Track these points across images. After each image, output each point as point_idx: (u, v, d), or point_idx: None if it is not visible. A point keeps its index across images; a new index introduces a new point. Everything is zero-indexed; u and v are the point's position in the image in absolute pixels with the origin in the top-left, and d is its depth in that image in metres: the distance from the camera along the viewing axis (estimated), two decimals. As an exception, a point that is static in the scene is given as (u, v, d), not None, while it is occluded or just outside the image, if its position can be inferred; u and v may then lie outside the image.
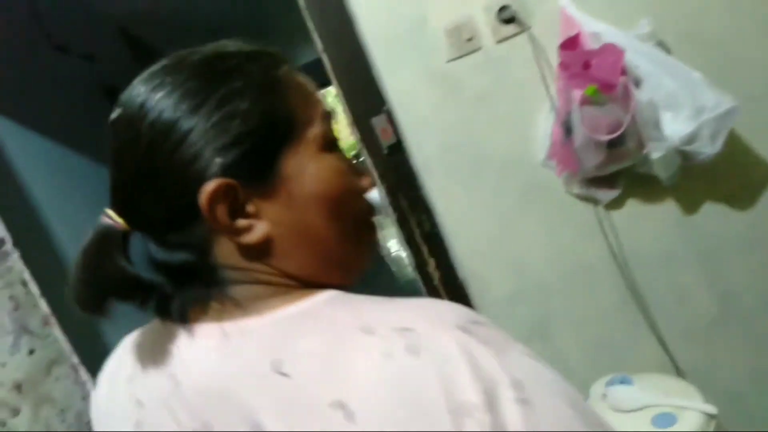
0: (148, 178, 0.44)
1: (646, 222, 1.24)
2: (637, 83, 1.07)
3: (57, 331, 1.10)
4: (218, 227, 0.43)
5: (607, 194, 1.21)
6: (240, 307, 0.44)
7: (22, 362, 1.00)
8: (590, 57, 1.04)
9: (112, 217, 0.46)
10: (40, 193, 1.43)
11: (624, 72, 1.03)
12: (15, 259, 1.06)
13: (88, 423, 1.13)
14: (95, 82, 2.44)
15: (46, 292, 1.11)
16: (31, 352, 1.02)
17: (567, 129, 1.10)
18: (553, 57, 1.13)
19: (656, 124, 1.06)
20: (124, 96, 0.46)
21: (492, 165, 1.21)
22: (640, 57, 1.06)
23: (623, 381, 1.15)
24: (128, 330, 0.55)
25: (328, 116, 0.49)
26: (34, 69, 1.81)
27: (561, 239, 1.25)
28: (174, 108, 0.43)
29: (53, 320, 1.10)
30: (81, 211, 1.66)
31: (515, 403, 0.35)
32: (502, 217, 1.24)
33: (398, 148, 1.19)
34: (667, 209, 1.24)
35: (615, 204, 1.23)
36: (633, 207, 1.24)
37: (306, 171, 0.46)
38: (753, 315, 1.29)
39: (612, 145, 1.09)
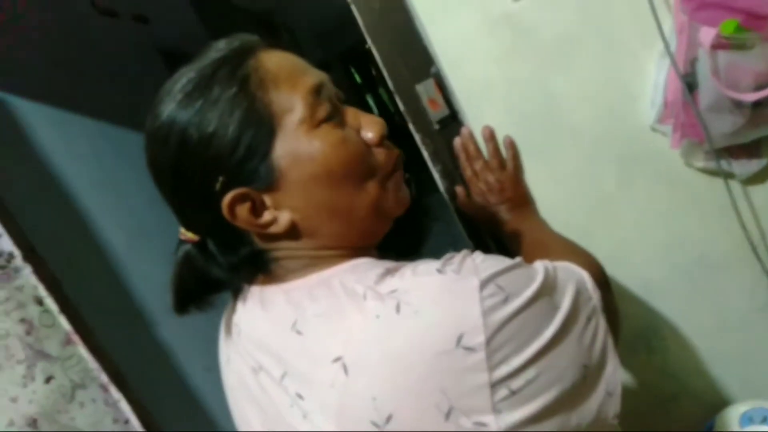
0: (177, 200, 0.53)
1: (803, 200, 0.90)
2: (805, 8, 0.71)
3: (82, 350, 1.00)
4: (249, 229, 0.51)
5: (747, 166, 0.88)
6: (278, 278, 0.53)
7: (38, 393, 0.91)
8: (729, -25, 0.70)
9: (183, 232, 0.55)
10: (75, 186, 1.33)
11: (785, -6, 0.68)
12: (26, 276, 0.96)
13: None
14: (152, 47, 2.32)
15: (66, 307, 1.01)
16: (49, 379, 0.93)
17: (689, 83, 0.78)
18: (670, -22, 0.79)
19: (832, 69, 0.72)
20: (149, 116, 0.52)
21: (580, 132, 0.91)
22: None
23: (767, 418, 0.87)
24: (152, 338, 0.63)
25: (315, 90, 0.51)
26: (73, 39, 1.69)
27: (677, 226, 0.94)
28: (174, 136, 0.49)
29: (76, 338, 1.00)
30: (128, 201, 1.56)
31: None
32: (594, 198, 0.95)
33: (452, 120, 0.92)
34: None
35: (757, 178, 0.90)
36: (785, 181, 0.90)
37: (300, 156, 0.49)
38: None
39: (759, 103, 0.75)
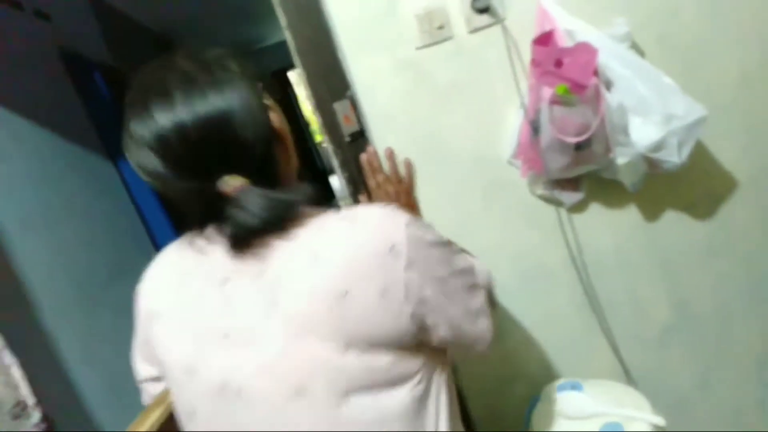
0: (234, 148, 0.63)
1: (607, 227, 1.23)
2: (609, 85, 1.04)
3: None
4: (284, 164, 0.71)
5: (571, 197, 1.19)
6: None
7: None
8: (563, 55, 1.00)
9: (226, 182, 0.62)
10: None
11: (596, 73, 1.00)
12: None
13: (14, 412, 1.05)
14: (52, 44, 2.28)
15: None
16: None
17: (535, 128, 1.07)
18: (527, 52, 1.09)
19: (624, 129, 1.04)
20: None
21: (457, 159, 1.17)
22: (613, 58, 1.03)
23: (574, 387, 1.14)
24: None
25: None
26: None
27: (522, 240, 1.22)
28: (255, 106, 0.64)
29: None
30: (26, 180, 1.54)
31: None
32: (463, 213, 1.20)
33: (361, 136, 1.13)
34: (629, 215, 1.23)
35: (578, 208, 1.21)
36: (596, 212, 1.22)
37: (280, 120, 0.70)
38: (706, 324, 1.30)
39: (579, 147, 1.06)
